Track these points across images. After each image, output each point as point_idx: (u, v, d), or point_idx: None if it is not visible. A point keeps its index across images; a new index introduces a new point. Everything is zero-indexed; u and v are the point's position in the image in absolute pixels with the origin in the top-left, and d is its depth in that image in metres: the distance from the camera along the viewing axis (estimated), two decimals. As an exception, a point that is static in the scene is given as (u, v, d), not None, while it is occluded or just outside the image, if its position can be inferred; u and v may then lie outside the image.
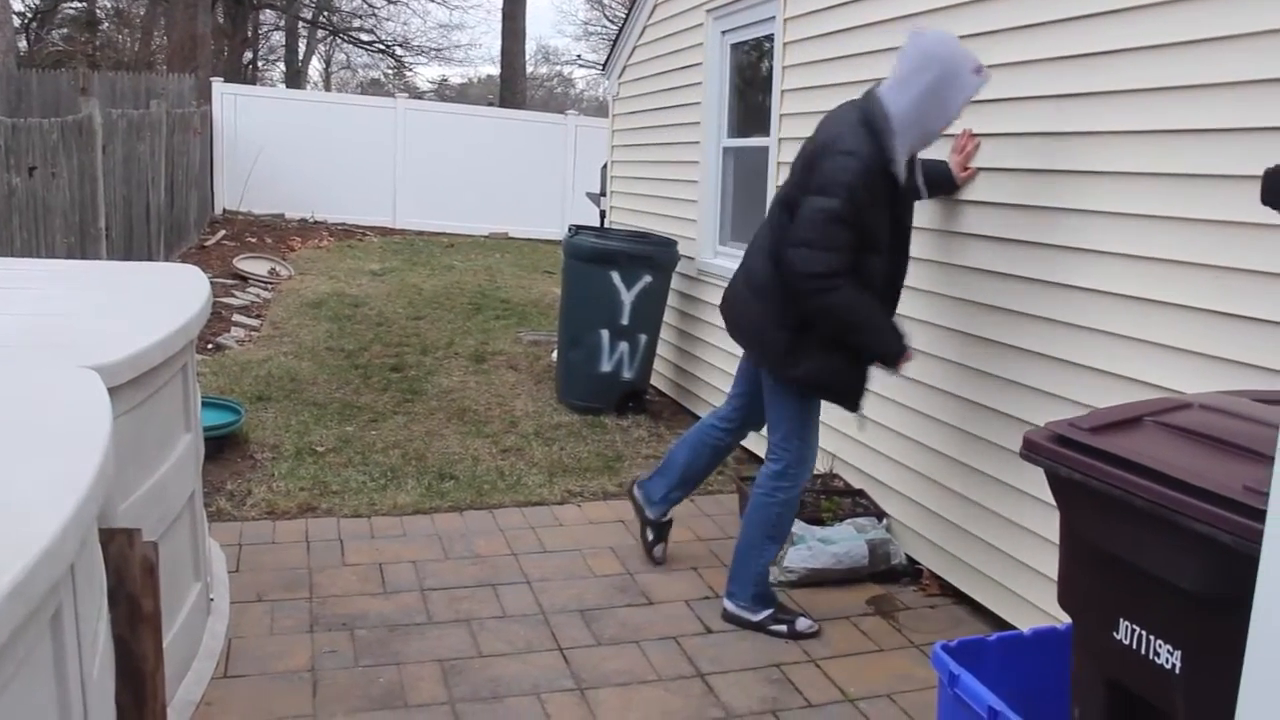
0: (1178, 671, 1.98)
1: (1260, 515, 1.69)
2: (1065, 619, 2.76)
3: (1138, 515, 1.92)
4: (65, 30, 23.42)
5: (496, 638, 3.71)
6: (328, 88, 34.56)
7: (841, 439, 5.11)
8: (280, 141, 16.19)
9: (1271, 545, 1.50)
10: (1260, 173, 2.88)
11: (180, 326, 2.95)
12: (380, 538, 4.54)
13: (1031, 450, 2.20)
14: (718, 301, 6.51)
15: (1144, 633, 2.04)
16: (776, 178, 5.70)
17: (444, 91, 37.87)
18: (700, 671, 3.57)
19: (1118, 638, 2.11)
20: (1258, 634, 1.53)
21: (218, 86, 16.43)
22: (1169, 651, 1.99)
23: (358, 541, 4.47)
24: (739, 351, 6.15)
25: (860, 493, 4.97)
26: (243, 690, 3.24)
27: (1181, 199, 3.19)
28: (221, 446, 5.37)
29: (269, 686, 3.27)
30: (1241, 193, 2.98)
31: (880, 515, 4.69)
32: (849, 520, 4.60)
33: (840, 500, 4.88)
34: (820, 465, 5.23)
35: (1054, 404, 3.65)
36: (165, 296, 3.42)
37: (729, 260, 6.46)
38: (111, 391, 2.22)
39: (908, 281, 4.49)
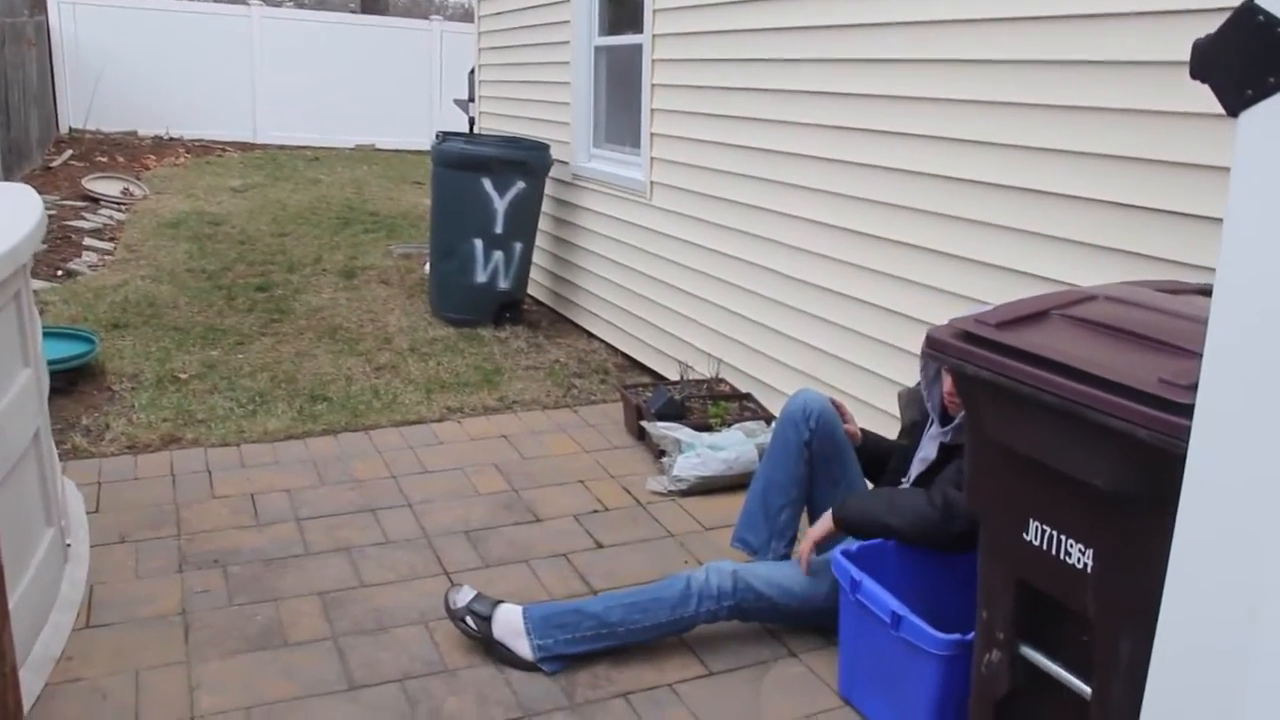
0: (1089, 570, 1.92)
1: (1177, 408, 1.63)
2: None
3: (1048, 412, 1.84)
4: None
5: (379, 565, 3.55)
6: (176, -5, 32.82)
7: (727, 343, 5.03)
8: (128, 54, 15.33)
9: (1199, 438, 1.42)
10: (1155, 57, 2.84)
11: (8, 250, 2.67)
12: (251, 466, 4.31)
13: (936, 348, 2.10)
14: (592, 206, 6.39)
15: (1054, 532, 1.98)
16: (651, 76, 5.51)
17: (302, -1, 36.37)
18: (594, 589, 3.46)
19: (1027, 538, 2.04)
20: (1184, 527, 1.47)
21: (54, -6, 15.43)
22: (1080, 550, 1.93)
23: (227, 472, 4.24)
24: (614, 257, 6.02)
25: (747, 396, 4.90)
26: (108, 640, 3.02)
27: (1073, 87, 3.11)
28: (75, 379, 5.05)
29: (136, 634, 3.06)
30: (1130, 79, 2.92)
31: (769, 419, 4.62)
32: (737, 425, 4.53)
33: (728, 405, 4.81)
34: (705, 370, 5.16)
35: (945, 300, 3.60)
36: (-7, 219, 3.12)
37: (604, 164, 6.29)
38: (-75, 327, 1.98)
39: (797, 180, 4.41)
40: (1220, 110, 2.58)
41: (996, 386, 1.95)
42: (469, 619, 3.07)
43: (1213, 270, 2.61)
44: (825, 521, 3.02)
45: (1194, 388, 1.63)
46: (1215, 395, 1.39)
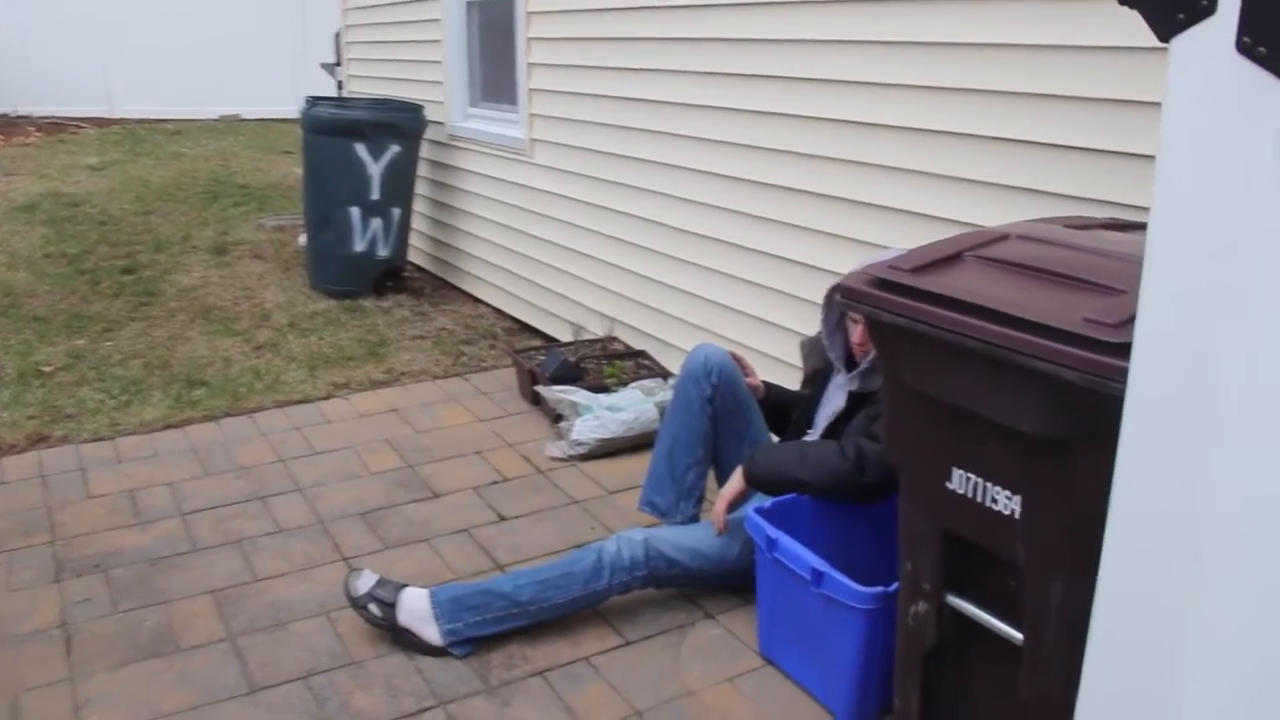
0: (1018, 517, 1.87)
1: (1105, 347, 1.57)
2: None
3: (971, 358, 1.77)
4: None
5: (273, 557, 3.39)
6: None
7: (619, 300, 4.93)
8: (-36, 27, 14.48)
9: (1138, 379, 1.37)
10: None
11: None
12: (128, 461, 4.09)
13: (850, 297, 2.02)
14: (471, 167, 6.20)
15: (980, 480, 1.92)
16: (527, 29, 5.34)
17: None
18: (499, 564, 3.36)
19: (951, 487, 1.99)
20: (1124, 469, 1.41)
21: None
22: (1007, 497, 1.88)
23: (102, 469, 4.01)
24: (496, 218, 5.87)
25: (642, 354, 4.81)
26: (-19, 661, 2.83)
27: (945, 22, 3.06)
28: (-71, 378, 4.76)
29: (13, 653, 2.85)
30: (1013, 14, 2.86)
31: (666, 375, 4.55)
32: (634, 384, 4.44)
33: (623, 364, 4.72)
34: (597, 329, 5.06)
35: (842, 245, 3.54)
36: None
37: (481, 122, 6.12)
38: None
39: (683, 131, 4.31)
40: (1116, 43, 2.55)
41: (915, 334, 1.87)
42: (372, 606, 2.93)
43: (1115, 204, 2.60)
44: (736, 480, 2.95)
45: (1121, 326, 1.59)
46: (1152, 334, 1.33)
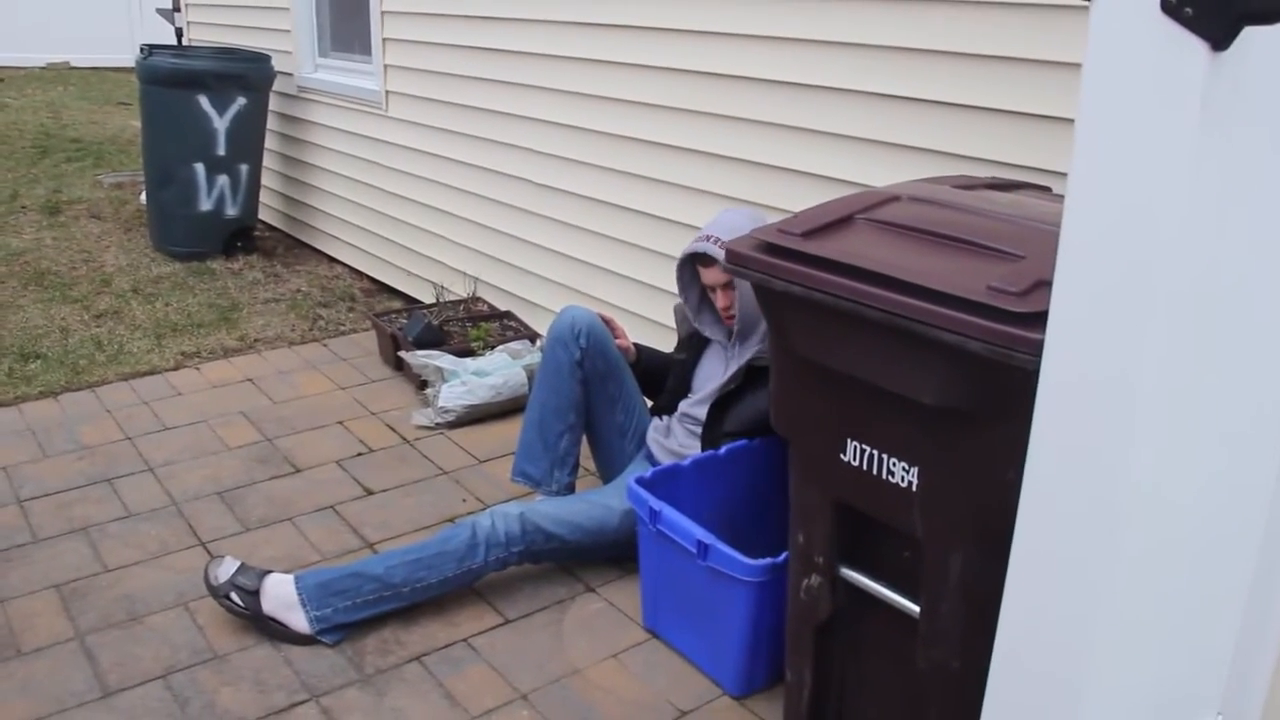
0: (914, 489, 1.82)
1: (1010, 317, 1.52)
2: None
3: (870, 327, 1.70)
4: None
5: (124, 544, 3.17)
6: None
7: (483, 259, 4.77)
8: None
9: (1054, 347, 1.31)
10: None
11: None
12: (-43, 444, 3.81)
13: (738, 263, 1.92)
14: (323, 120, 5.93)
15: (876, 452, 1.86)
16: (377, -25, 5.10)
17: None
18: (368, 542, 3.21)
19: (845, 459, 1.92)
20: (1039, 441, 1.36)
21: None
22: (904, 469, 1.82)
23: (-72, 453, 3.73)
24: (351, 174, 5.64)
25: (508, 315, 4.68)
26: None
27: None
28: None
29: None
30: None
31: (533, 337, 4.43)
32: (501, 347, 4.30)
33: (488, 326, 4.57)
34: (460, 290, 4.90)
35: (718, 203, 3.45)
36: None
37: (332, 74, 5.86)
38: None
39: (548, 83, 4.18)
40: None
41: (809, 302, 1.79)
42: (234, 595, 2.77)
43: (999, 163, 2.56)
44: None
45: (1025, 295, 1.53)
46: (1069, 304, 1.27)
